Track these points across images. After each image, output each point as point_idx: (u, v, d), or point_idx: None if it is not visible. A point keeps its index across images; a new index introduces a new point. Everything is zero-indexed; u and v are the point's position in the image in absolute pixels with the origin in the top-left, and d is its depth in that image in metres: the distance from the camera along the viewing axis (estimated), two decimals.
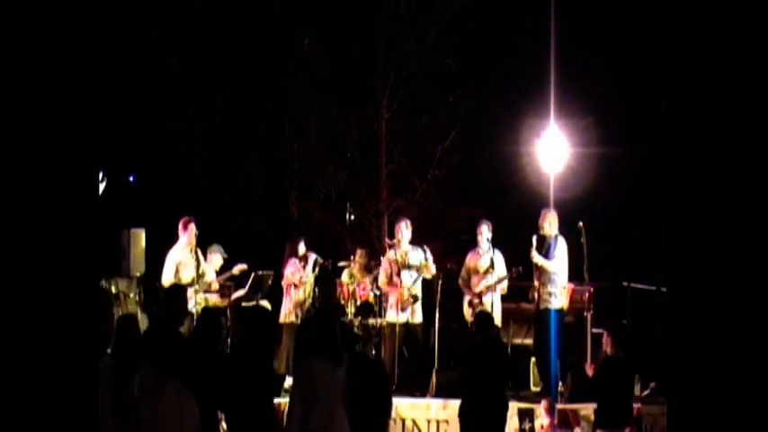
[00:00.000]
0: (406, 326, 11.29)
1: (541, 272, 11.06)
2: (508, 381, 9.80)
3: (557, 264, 11.00)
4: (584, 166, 14.96)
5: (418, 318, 11.42)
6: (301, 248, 12.04)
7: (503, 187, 16.04)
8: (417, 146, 16.23)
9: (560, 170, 12.96)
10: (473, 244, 11.73)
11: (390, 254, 11.56)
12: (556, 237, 11.07)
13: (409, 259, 11.37)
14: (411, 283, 11.31)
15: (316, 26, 15.49)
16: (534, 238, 11.02)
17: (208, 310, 7.93)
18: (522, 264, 11.32)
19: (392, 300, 11.39)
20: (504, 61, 15.78)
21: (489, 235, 11.45)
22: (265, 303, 11.82)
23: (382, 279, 11.55)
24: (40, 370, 4.07)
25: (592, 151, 15.38)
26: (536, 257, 11.01)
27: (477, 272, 11.52)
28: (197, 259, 11.02)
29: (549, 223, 11.12)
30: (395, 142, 16.16)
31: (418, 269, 11.32)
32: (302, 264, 11.95)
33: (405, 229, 11.50)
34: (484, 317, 9.72)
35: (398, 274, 11.30)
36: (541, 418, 10.07)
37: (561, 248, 11.04)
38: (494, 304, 11.33)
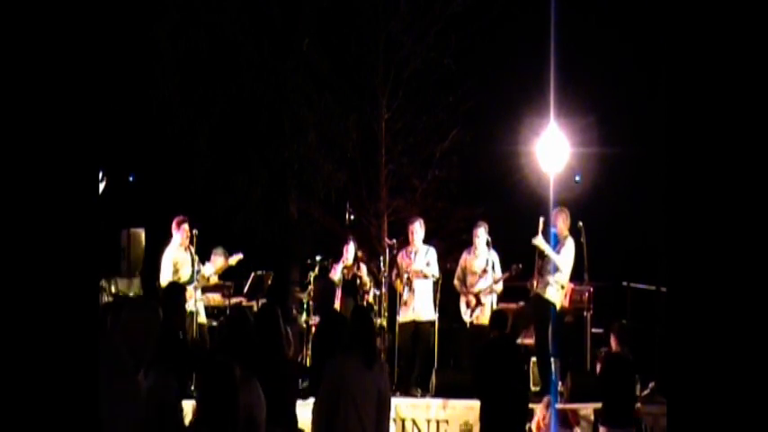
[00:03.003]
0: (415, 324, 11.35)
1: (544, 262, 10.96)
2: (528, 382, 9.71)
3: (561, 258, 10.93)
4: (584, 165, 14.99)
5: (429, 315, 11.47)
6: (348, 251, 12.03)
7: (502, 187, 16.06)
8: (417, 146, 16.23)
9: (560, 170, 12.97)
10: (469, 244, 11.73)
11: (402, 256, 11.56)
12: (566, 237, 11.01)
13: (423, 268, 11.38)
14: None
15: (316, 26, 15.48)
16: (541, 221, 10.89)
17: (267, 306, 7.81)
18: (523, 262, 11.32)
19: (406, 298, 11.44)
20: (504, 61, 15.79)
21: (486, 237, 11.42)
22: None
23: (396, 280, 11.55)
24: (40, 370, 4.07)
25: (592, 151, 15.40)
26: (540, 241, 10.84)
27: (473, 272, 11.51)
28: (191, 256, 11.02)
29: (563, 221, 11.04)
30: (395, 142, 16.15)
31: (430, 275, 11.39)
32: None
33: (419, 229, 11.50)
34: (501, 316, 9.61)
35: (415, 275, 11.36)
36: (539, 414, 10.07)
37: (569, 248, 10.96)
38: (492, 305, 11.32)
